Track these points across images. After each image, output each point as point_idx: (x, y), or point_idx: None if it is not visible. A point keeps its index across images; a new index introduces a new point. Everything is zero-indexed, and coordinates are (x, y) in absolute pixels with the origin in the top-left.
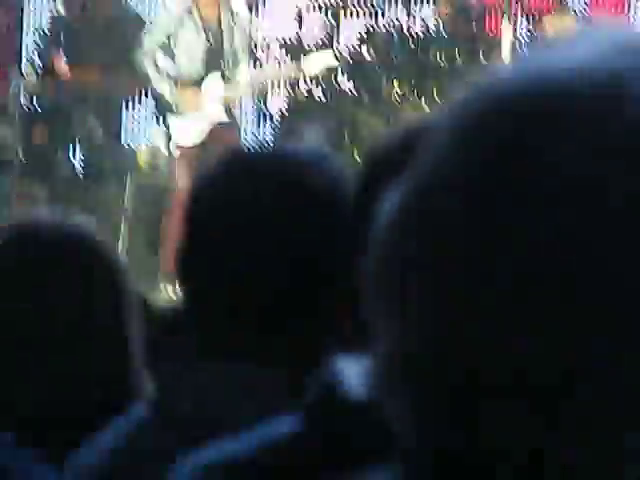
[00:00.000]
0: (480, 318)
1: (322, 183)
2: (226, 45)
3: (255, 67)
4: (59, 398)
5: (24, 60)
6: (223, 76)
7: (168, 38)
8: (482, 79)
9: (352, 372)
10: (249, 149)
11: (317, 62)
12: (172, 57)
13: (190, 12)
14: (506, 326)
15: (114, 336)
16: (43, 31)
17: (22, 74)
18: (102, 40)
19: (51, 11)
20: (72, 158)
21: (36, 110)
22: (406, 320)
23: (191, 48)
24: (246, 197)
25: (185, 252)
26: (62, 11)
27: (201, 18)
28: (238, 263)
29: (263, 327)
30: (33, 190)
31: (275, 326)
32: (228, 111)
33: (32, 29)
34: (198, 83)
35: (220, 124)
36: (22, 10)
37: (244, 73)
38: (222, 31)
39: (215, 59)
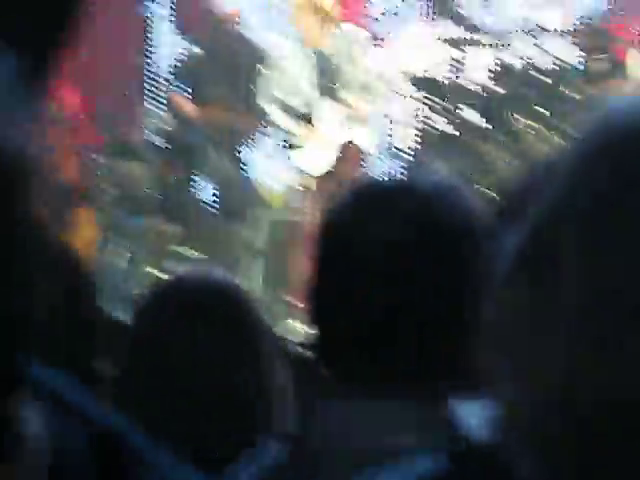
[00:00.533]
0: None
1: (451, 217)
2: (339, 71)
3: (380, 99)
4: (201, 437)
5: (154, 98)
6: (341, 102)
7: (282, 71)
8: (602, 114)
9: (475, 414)
10: (377, 180)
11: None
12: (287, 90)
13: (301, 42)
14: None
15: (255, 374)
16: (169, 70)
17: (153, 112)
18: (224, 75)
19: (180, 51)
20: (203, 195)
21: (167, 147)
22: (534, 364)
23: (305, 78)
24: (372, 230)
25: (312, 286)
26: (190, 48)
27: (310, 46)
28: (359, 298)
29: (378, 364)
30: (165, 227)
31: (391, 363)
32: (350, 139)
33: (162, 68)
34: (316, 113)
35: (344, 148)
36: (154, 49)
37: (365, 99)
38: (332, 57)
39: (330, 86)
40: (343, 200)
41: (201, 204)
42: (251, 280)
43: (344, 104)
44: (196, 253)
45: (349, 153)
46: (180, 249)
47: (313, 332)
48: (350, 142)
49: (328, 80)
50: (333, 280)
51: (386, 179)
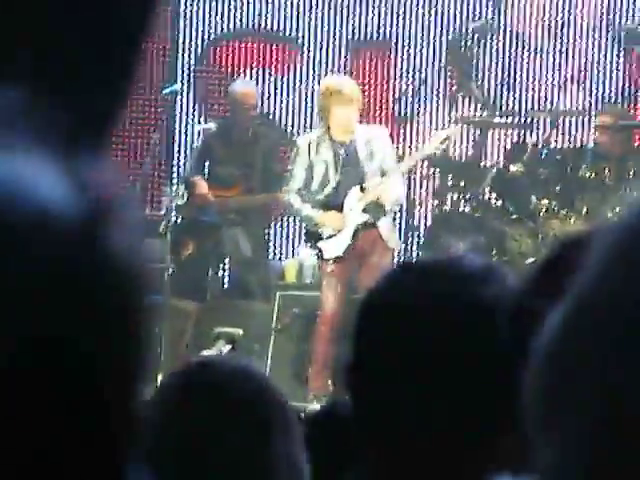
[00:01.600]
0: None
1: (492, 296)
2: (362, 164)
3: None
4: None
5: (175, 179)
6: (362, 189)
7: (309, 167)
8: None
9: None
10: (417, 262)
11: (438, 139)
12: (312, 181)
13: (326, 135)
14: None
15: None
16: (188, 150)
17: (173, 192)
18: (242, 156)
19: (199, 132)
20: (220, 272)
21: (186, 227)
22: (567, 440)
23: (329, 170)
24: (417, 311)
25: (354, 366)
26: (210, 129)
27: (336, 141)
28: (395, 377)
29: (412, 441)
30: (182, 304)
31: (425, 439)
32: (370, 224)
33: (181, 148)
34: (340, 201)
35: (365, 228)
36: (174, 131)
37: (386, 185)
38: (357, 150)
39: (353, 174)
40: (381, 282)
41: (218, 282)
42: (267, 358)
43: (364, 192)
44: (241, 332)
45: (368, 237)
46: (227, 329)
47: (352, 408)
48: (369, 227)
49: (351, 169)
50: (373, 361)
51: (423, 261)
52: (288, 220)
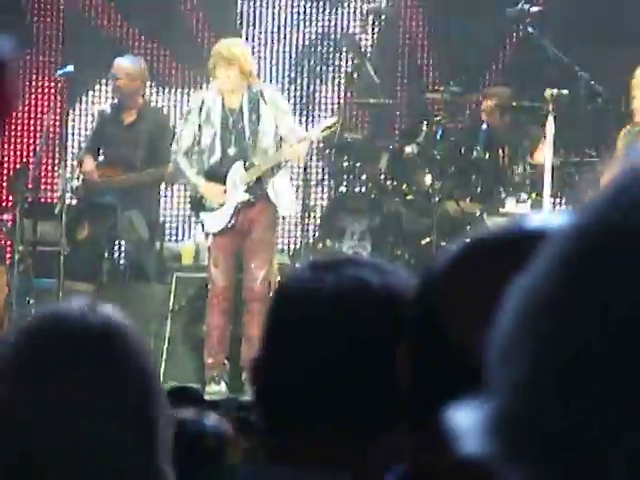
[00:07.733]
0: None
1: (383, 289)
2: (247, 131)
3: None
4: None
5: (67, 159)
6: (245, 162)
7: (198, 130)
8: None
9: (469, 419)
10: (337, 257)
11: (321, 127)
12: (200, 150)
13: (218, 98)
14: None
15: (139, 427)
16: (81, 132)
17: (65, 172)
18: (128, 135)
19: (93, 114)
20: (116, 254)
21: (82, 208)
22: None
23: (216, 138)
24: (328, 299)
25: (265, 351)
26: (104, 109)
27: (226, 107)
28: (311, 366)
29: (336, 433)
30: (77, 287)
31: (352, 433)
32: (256, 193)
33: (76, 131)
34: (224, 173)
35: (246, 204)
36: (68, 113)
37: (270, 156)
38: (243, 116)
39: (240, 145)
40: (297, 272)
41: (113, 263)
42: (164, 338)
43: (248, 170)
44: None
45: (250, 214)
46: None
47: (254, 394)
48: (251, 205)
49: (237, 141)
50: (282, 345)
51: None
52: (185, 202)
